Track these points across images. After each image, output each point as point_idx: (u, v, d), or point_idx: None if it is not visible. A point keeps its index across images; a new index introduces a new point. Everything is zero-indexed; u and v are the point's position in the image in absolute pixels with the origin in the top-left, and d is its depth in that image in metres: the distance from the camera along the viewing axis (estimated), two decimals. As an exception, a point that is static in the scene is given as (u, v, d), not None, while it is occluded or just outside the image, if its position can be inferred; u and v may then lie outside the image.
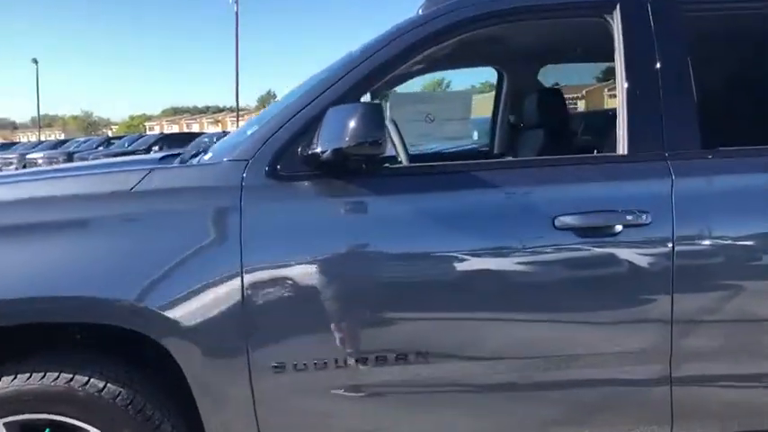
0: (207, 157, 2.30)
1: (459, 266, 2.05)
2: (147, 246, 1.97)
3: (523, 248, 2.05)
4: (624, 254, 2.07)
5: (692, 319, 2.11)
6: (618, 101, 2.23)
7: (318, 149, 1.98)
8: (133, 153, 19.71)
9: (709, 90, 2.43)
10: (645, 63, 2.20)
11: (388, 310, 2.05)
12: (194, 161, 2.37)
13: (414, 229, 2.05)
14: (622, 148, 2.17)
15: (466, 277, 2.06)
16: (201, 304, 1.94)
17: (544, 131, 3.40)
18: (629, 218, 2.05)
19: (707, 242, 2.11)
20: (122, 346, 2.08)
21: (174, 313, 1.92)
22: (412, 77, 3.78)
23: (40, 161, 22.44)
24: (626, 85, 2.19)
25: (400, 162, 2.53)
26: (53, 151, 25.79)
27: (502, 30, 2.58)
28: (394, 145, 2.58)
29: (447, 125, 3.89)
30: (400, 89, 3.98)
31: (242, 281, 1.95)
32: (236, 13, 35.40)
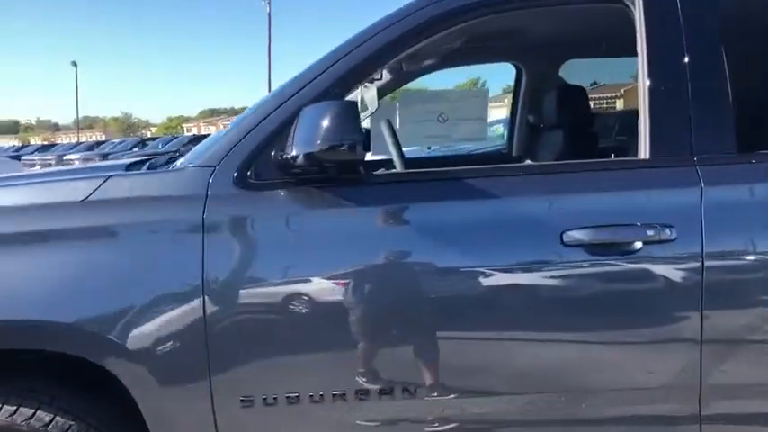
0: (179, 162, 2.08)
1: (453, 288, 1.80)
2: (96, 264, 1.75)
3: (525, 268, 1.79)
4: (644, 276, 1.80)
5: (724, 351, 1.84)
6: (639, 99, 1.95)
7: (292, 153, 1.75)
8: (165, 154, 19.75)
9: (746, 86, 2.13)
10: (671, 55, 1.92)
11: (369, 339, 1.81)
12: (167, 168, 2.15)
13: (398, 245, 1.80)
14: (644, 152, 1.89)
15: (459, 300, 1.80)
16: (157, 329, 1.72)
17: (564, 133, 3.11)
18: (650, 233, 1.77)
19: (742, 261, 1.83)
20: (74, 372, 1.86)
21: (126, 339, 1.71)
22: (422, 74, 3.52)
23: (76, 162, 22.76)
24: (648, 81, 1.91)
25: (393, 168, 2.29)
26: (89, 152, 26.16)
27: (508, 20, 2.32)
28: (387, 148, 2.33)
29: (462, 125, 3.60)
30: (412, 87, 3.73)
31: (203, 304, 1.73)
32: (269, 14, 35.51)
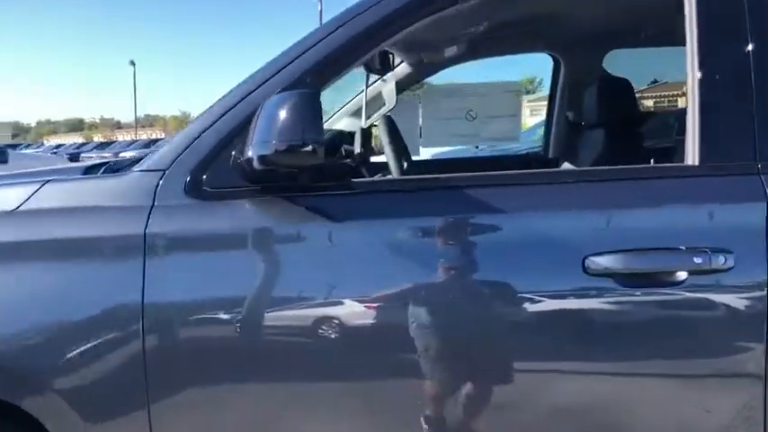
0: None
1: (443, 324, 1.47)
2: (20, 286, 1.48)
3: (536, 301, 1.43)
4: (689, 316, 1.42)
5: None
6: (688, 92, 1.56)
7: (248, 155, 1.43)
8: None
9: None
10: (729, 40, 1.53)
11: (345, 381, 1.48)
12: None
13: (379, 270, 1.47)
14: (692, 156, 1.51)
15: (454, 339, 1.47)
16: (88, 364, 1.44)
17: (606, 132, 2.72)
18: (697, 260, 1.40)
19: None
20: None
21: (49, 375, 1.43)
22: (447, 66, 3.18)
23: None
24: (700, 71, 1.53)
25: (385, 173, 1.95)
26: (144, 150, 26.78)
27: (541, 2, 1.94)
28: (383, 150, 2.00)
29: (492, 123, 3.24)
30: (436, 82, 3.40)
31: (143, 337, 1.43)
32: (321, 12, 35.52)
